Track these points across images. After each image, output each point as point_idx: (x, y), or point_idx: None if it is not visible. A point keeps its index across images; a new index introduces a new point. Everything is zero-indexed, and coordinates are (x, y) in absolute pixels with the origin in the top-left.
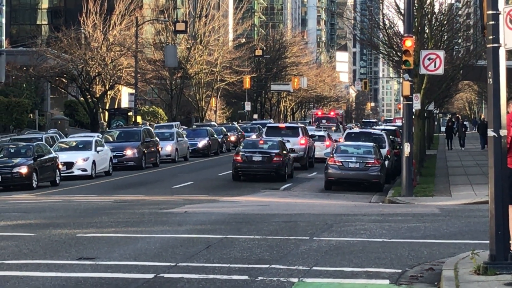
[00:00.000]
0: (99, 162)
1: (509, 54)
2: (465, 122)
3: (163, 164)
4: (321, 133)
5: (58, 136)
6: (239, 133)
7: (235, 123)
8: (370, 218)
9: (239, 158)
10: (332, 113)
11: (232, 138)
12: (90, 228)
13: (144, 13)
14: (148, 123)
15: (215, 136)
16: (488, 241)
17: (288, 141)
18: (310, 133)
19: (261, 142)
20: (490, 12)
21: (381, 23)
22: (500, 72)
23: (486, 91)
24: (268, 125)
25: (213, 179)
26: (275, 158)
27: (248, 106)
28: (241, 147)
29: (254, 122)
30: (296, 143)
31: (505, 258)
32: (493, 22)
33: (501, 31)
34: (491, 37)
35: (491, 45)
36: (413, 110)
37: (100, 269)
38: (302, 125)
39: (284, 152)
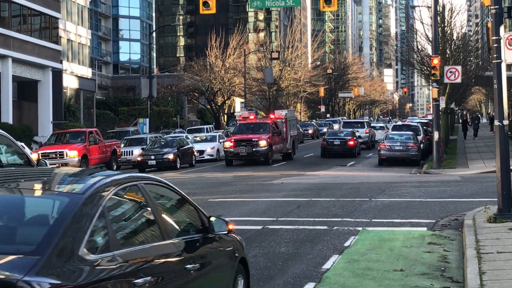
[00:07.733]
0: (222, 150)
1: (508, 67)
2: (478, 115)
3: None
4: (381, 124)
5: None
6: (315, 127)
7: (313, 121)
8: (411, 184)
9: (325, 142)
10: (272, 116)
11: (310, 131)
12: (217, 195)
13: (249, 46)
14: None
15: (300, 129)
16: (496, 199)
17: (357, 131)
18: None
19: (339, 131)
20: (494, 37)
21: (415, 48)
22: (502, 80)
23: (492, 93)
24: (343, 121)
25: (300, 159)
26: (349, 142)
27: (322, 108)
28: (326, 135)
29: (326, 119)
30: (363, 132)
31: (509, 211)
32: (496, 45)
33: (502, 51)
34: (495, 55)
35: (495, 61)
36: (440, 108)
37: None
38: (367, 120)
39: (355, 138)
